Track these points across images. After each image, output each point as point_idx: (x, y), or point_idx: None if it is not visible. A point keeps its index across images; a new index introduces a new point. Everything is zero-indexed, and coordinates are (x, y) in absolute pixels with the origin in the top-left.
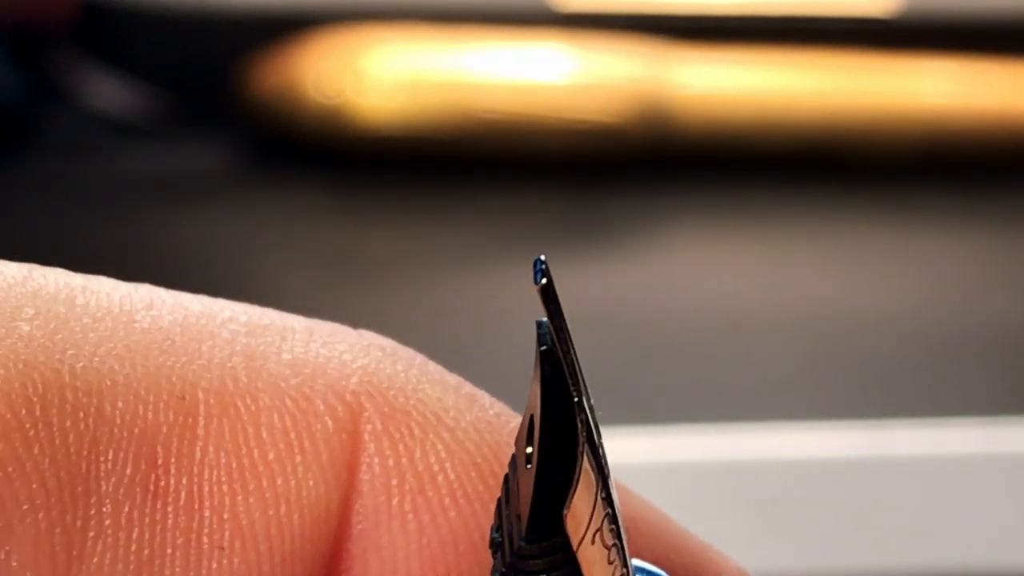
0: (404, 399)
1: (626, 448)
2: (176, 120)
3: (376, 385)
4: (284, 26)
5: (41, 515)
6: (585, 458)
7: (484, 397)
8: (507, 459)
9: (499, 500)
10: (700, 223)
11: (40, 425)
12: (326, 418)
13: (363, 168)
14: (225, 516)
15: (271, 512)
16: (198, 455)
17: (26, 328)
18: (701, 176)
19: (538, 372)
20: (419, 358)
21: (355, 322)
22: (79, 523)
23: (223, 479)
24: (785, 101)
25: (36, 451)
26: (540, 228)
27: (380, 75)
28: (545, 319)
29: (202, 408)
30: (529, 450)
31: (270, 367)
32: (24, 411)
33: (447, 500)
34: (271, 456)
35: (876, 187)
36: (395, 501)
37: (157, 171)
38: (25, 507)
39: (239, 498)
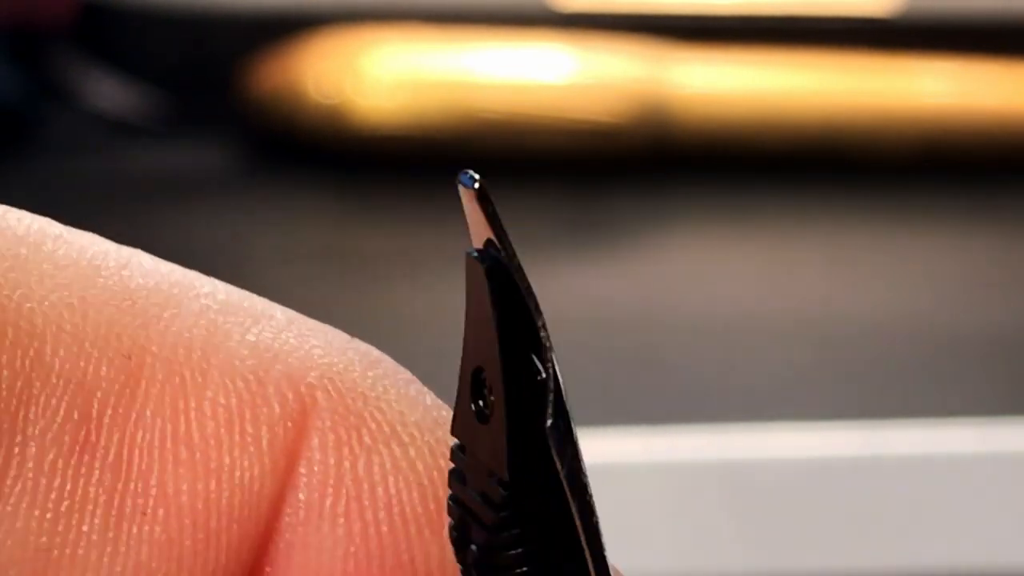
0: (362, 404)
1: (625, 448)
2: (176, 120)
3: (336, 384)
4: (284, 26)
5: None
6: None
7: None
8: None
9: (451, 497)
10: (700, 223)
11: None
12: (274, 403)
13: (363, 168)
14: (152, 482)
15: (200, 485)
16: (134, 416)
17: None
18: (701, 176)
19: (488, 296)
20: (403, 375)
21: (355, 322)
22: (0, 461)
23: (155, 444)
24: (785, 101)
25: None
26: (540, 228)
27: (380, 75)
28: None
29: (147, 371)
30: (480, 403)
31: (230, 345)
32: None
33: (382, 513)
34: (208, 430)
35: (876, 187)
36: (328, 502)
37: (157, 171)
38: None
39: (169, 466)
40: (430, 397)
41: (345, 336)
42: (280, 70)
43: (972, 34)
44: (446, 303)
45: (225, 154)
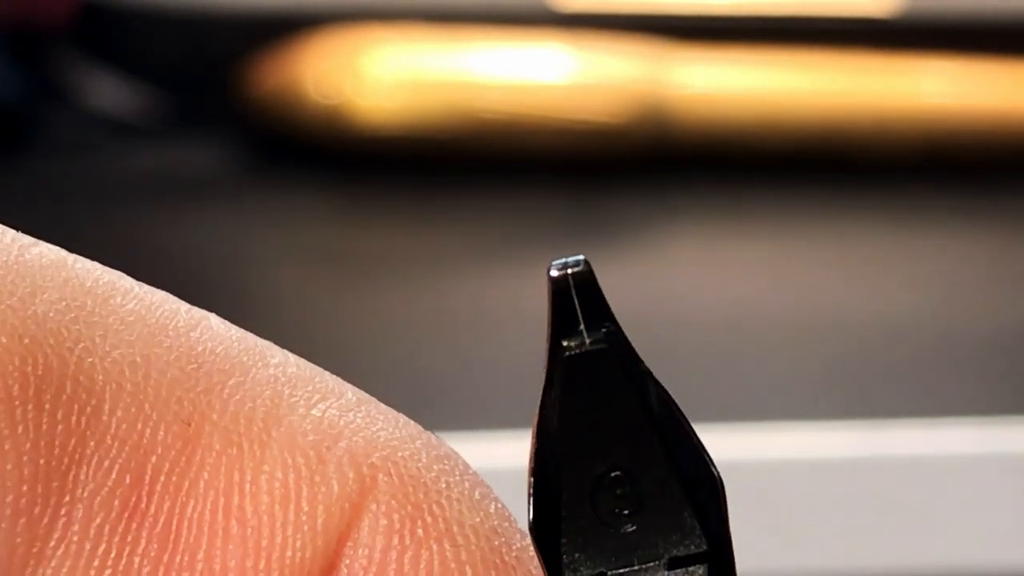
0: (423, 495)
1: None
2: (176, 120)
3: (400, 469)
4: (284, 26)
5: (10, 498)
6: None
7: (516, 536)
8: None
9: None
10: (700, 223)
11: (31, 407)
12: (333, 482)
13: (363, 168)
14: (199, 556)
15: (248, 563)
16: (187, 485)
17: (43, 309)
18: (701, 176)
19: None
20: (472, 476)
21: (355, 322)
22: (46, 520)
23: (206, 517)
24: (785, 101)
25: (20, 431)
26: (540, 228)
27: (380, 75)
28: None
29: (204, 439)
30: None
31: (293, 418)
32: (18, 387)
33: None
34: (262, 506)
35: (876, 187)
36: None
37: (157, 171)
38: None
39: (218, 541)
40: (495, 505)
41: (416, 427)
42: (280, 70)
43: (972, 34)
44: (446, 303)
45: (225, 154)
